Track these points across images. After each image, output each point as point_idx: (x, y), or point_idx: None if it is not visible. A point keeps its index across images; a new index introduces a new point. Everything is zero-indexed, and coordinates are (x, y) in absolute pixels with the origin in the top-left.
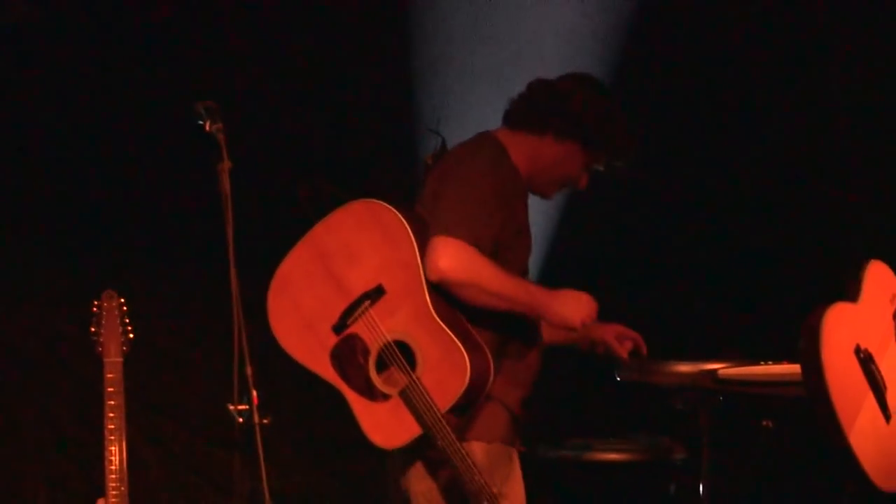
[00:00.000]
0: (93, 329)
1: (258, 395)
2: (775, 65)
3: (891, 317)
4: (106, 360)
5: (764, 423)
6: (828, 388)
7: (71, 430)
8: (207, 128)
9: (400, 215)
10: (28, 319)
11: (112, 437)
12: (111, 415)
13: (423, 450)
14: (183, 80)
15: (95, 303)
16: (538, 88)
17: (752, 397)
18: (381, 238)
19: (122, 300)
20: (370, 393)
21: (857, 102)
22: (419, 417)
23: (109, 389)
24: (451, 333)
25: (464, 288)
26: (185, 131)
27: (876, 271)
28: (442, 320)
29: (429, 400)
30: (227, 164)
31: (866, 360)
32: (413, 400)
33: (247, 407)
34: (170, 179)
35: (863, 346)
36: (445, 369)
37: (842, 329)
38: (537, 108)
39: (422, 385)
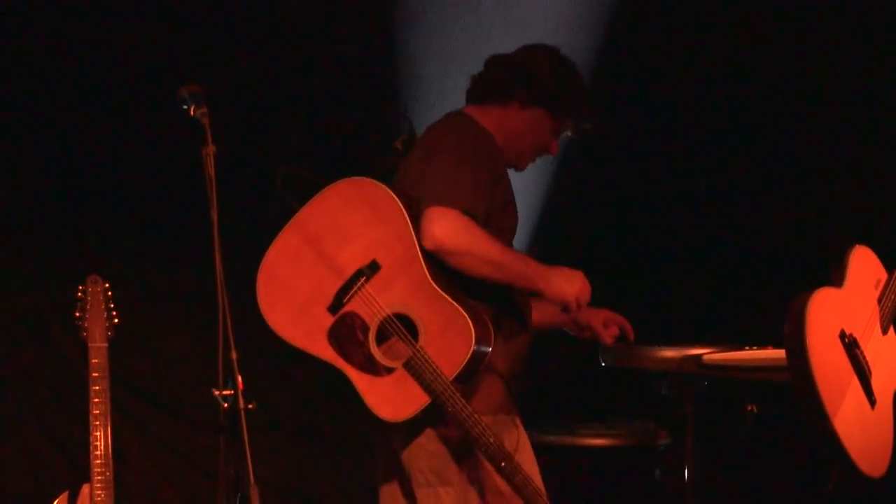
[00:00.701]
0: (77, 314)
1: (243, 381)
2: (761, 53)
3: (875, 302)
4: (91, 345)
5: (748, 408)
6: (812, 373)
7: (56, 416)
8: (192, 112)
9: (389, 189)
10: (12, 304)
11: (97, 423)
12: (96, 400)
13: (425, 423)
14: (166, 65)
15: (80, 288)
16: (497, 61)
17: (737, 382)
18: (372, 214)
19: (107, 285)
20: (373, 368)
21: (844, 88)
22: (426, 386)
23: (94, 374)
24: (453, 301)
25: (461, 256)
26: (170, 115)
27: (860, 256)
28: (442, 290)
29: (435, 368)
30: (211, 149)
31: (851, 345)
32: (419, 370)
33: (232, 392)
34: (154, 164)
35: (848, 332)
36: (449, 337)
37: (826, 314)
38: (499, 79)
39: (426, 354)
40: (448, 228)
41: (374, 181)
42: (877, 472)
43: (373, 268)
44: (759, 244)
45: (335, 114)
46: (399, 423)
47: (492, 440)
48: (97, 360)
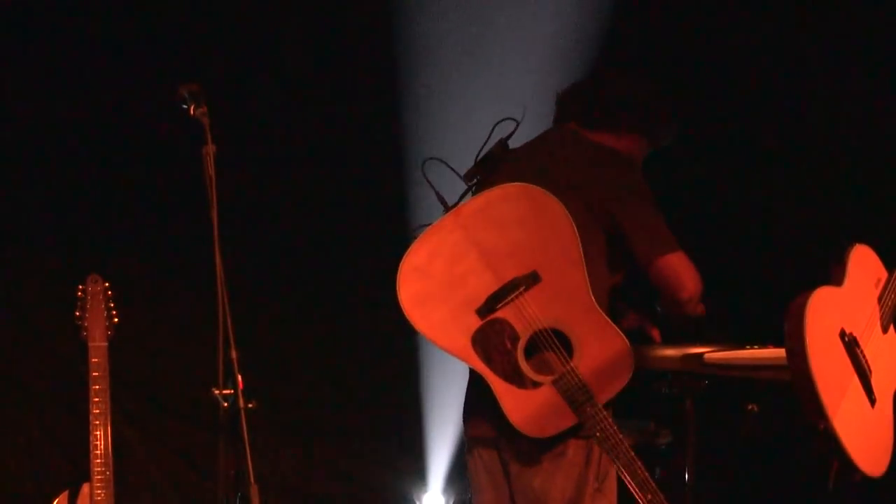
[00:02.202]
0: (78, 313)
1: (243, 380)
2: (756, 56)
3: (876, 301)
4: (91, 344)
5: (749, 407)
6: (812, 372)
7: (56, 415)
8: (192, 111)
9: (561, 204)
10: (13, 303)
11: (97, 422)
12: (96, 399)
13: (566, 446)
14: (166, 63)
15: (80, 287)
16: (597, 87)
17: (738, 381)
18: (540, 224)
19: (108, 284)
20: (518, 379)
21: (842, 88)
22: (576, 408)
23: (94, 374)
24: (616, 329)
25: (696, 303)
26: (170, 115)
27: (861, 255)
28: (605, 314)
29: (589, 390)
30: (211, 148)
31: (851, 344)
32: (570, 389)
33: (232, 391)
34: (155, 163)
35: (848, 331)
36: (608, 361)
37: (826, 313)
38: (604, 107)
39: (580, 374)
40: (697, 277)
41: (547, 192)
42: (877, 471)
43: (533, 278)
44: (759, 243)
45: (335, 115)
46: (535, 438)
47: (639, 471)
48: (97, 359)
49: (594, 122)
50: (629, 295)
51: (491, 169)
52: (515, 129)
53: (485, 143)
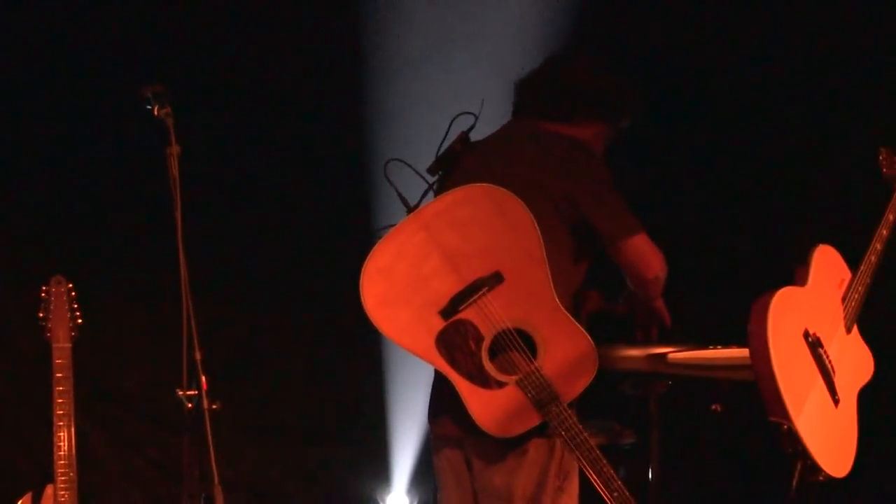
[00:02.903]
0: (41, 314)
1: (207, 381)
2: (725, 54)
3: (839, 301)
4: (54, 345)
5: (713, 407)
6: (775, 372)
7: (19, 416)
8: (156, 112)
9: (524, 205)
10: None
11: (61, 423)
12: (60, 400)
13: (528, 443)
14: (130, 64)
15: (44, 288)
16: (549, 78)
17: (702, 381)
18: (502, 225)
19: (71, 285)
20: (482, 380)
21: (806, 89)
22: (541, 408)
23: (58, 375)
24: (580, 328)
25: (663, 280)
26: (134, 115)
27: (824, 256)
28: (569, 313)
29: (554, 390)
30: (175, 149)
31: (815, 345)
32: (534, 390)
33: (196, 392)
34: (118, 164)
35: (811, 331)
36: (572, 361)
37: (790, 313)
38: (560, 98)
39: (544, 374)
40: (660, 257)
41: (511, 193)
42: (840, 472)
43: (496, 279)
44: (722, 243)
45: (299, 116)
46: (500, 437)
47: (605, 469)
48: (61, 360)
49: (554, 114)
50: (597, 279)
51: (452, 163)
52: (474, 123)
53: (444, 138)
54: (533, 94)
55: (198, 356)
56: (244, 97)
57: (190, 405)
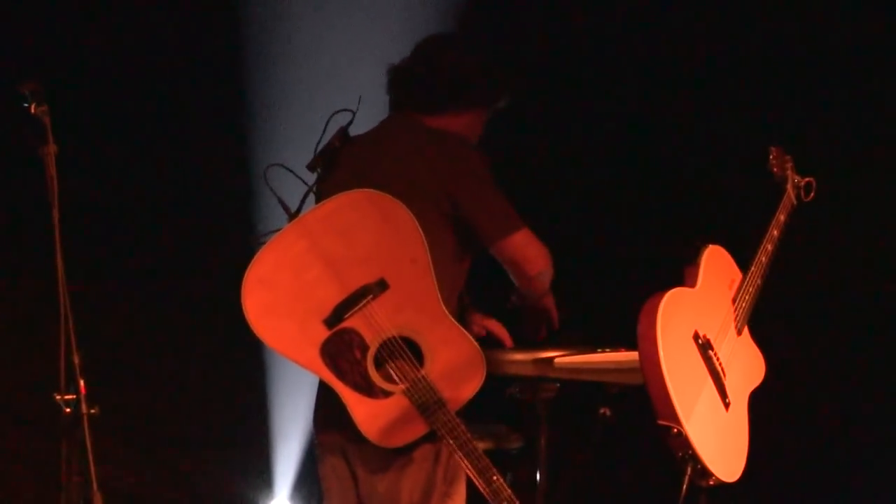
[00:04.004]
0: None
1: (85, 385)
2: (614, 47)
3: (730, 302)
4: None
5: (602, 411)
6: (665, 375)
7: None
8: (32, 110)
9: (408, 210)
10: None
11: None
12: None
13: (413, 449)
14: (5, 61)
15: None
16: (430, 69)
17: (590, 385)
18: (387, 230)
19: None
20: (368, 389)
21: (696, 88)
22: (429, 416)
23: None
24: (465, 332)
25: (547, 276)
26: (9, 113)
27: (714, 256)
28: (455, 319)
29: (441, 398)
30: (52, 148)
31: (705, 346)
32: (421, 398)
33: (74, 396)
34: None
35: (701, 333)
36: (459, 368)
37: (680, 314)
38: (449, 90)
39: (431, 382)
40: (544, 252)
41: (394, 198)
42: (731, 476)
43: (381, 286)
44: (610, 242)
45: (179, 118)
46: (387, 447)
47: (495, 478)
48: None
49: (431, 107)
50: (479, 296)
51: (332, 160)
52: (352, 119)
53: (322, 134)
54: (407, 89)
55: (76, 359)
56: (121, 96)
57: (68, 410)
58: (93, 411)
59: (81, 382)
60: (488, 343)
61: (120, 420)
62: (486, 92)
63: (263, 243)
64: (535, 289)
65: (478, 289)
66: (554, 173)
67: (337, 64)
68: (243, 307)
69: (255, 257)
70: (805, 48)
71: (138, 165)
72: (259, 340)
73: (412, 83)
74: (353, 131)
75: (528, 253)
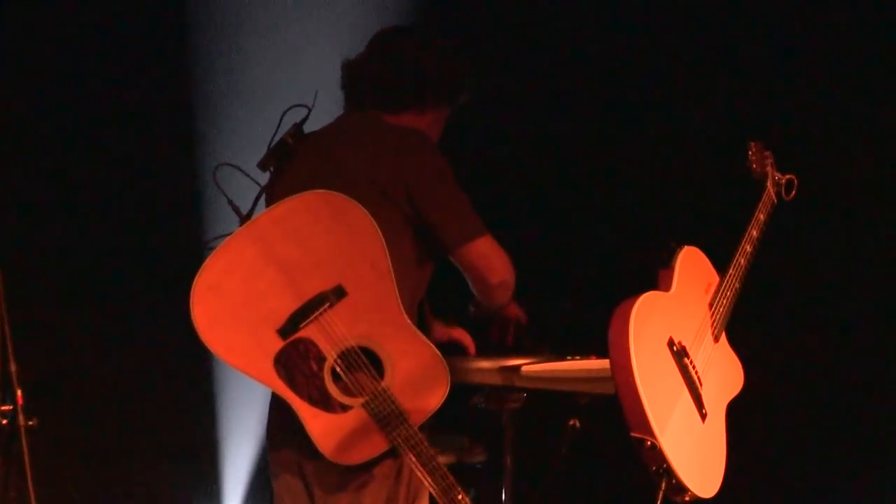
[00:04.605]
0: None
1: (23, 395)
2: (586, 42)
3: (707, 307)
4: None
5: (571, 422)
6: (638, 384)
7: None
8: None
9: (366, 211)
10: None
11: None
12: None
13: (373, 466)
14: None
15: None
16: (388, 66)
17: (559, 395)
18: (344, 235)
19: None
20: (325, 403)
21: (670, 92)
22: (390, 431)
23: None
24: (429, 342)
25: (510, 287)
26: None
27: (690, 258)
28: (417, 327)
29: (401, 411)
30: None
31: (680, 354)
32: (382, 412)
33: (10, 407)
34: None
35: (677, 339)
36: (421, 379)
37: (653, 320)
38: (401, 89)
39: (392, 395)
40: (506, 260)
41: (351, 200)
42: (708, 492)
43: (338, 293)
44: (580, 245)
45: (124, 116)
46: (346, 465)
47: (460, 496)
48: None
49: (391, 105)
50: (438, 303)
51: (285, 157)
52: (307, 115)
53: (276, 131)
54: (367, 86)
55: (13, 368)
56: (63, 94)
57: (4, 421)
58: (31, 423)
59: (19, 392)
60: (451, 350)
61: (61, 432)
62: (451, 90)
63: (213, 248)
64: (495, 298)
65: (439, 295)
66: (519, 174)
67: (291, 57)
68: (192, 316)
69: (205, 263)
70: (787, 38)
71: (79, 166)
72: (209, 351)
73: (372, 81)
74: (309, 128)
75: (490, 260)
